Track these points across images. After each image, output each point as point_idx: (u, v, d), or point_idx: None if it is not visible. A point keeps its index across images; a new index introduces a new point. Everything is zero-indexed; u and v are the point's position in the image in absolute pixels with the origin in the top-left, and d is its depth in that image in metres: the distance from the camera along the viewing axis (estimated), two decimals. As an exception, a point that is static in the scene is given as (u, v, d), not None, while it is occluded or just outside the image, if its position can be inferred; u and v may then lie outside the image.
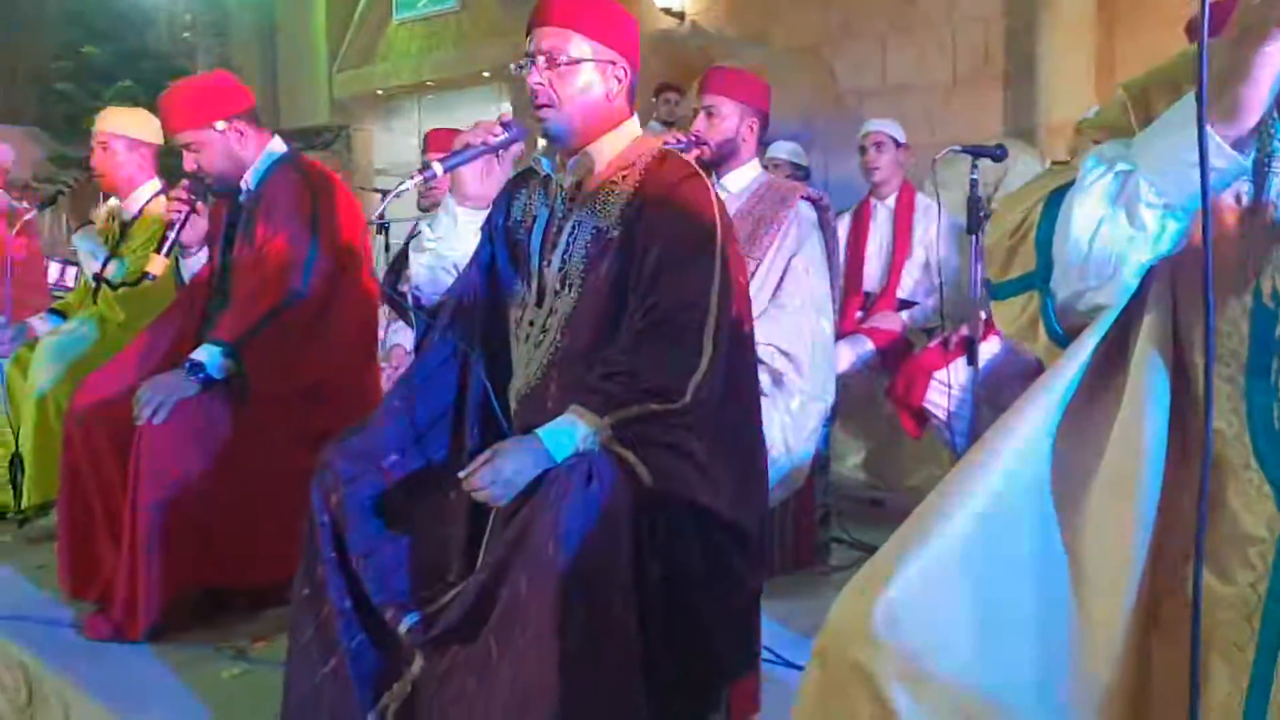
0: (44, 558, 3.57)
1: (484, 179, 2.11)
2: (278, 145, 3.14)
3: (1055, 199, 1.30)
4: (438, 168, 2.04)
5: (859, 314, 4.35)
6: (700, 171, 2.15)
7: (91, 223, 3.98)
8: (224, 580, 2.96)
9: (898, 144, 4.57)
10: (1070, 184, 1.29)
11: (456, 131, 4.90)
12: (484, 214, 2.18)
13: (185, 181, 3.07)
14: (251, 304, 2.89)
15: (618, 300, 2.07)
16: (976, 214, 3.48)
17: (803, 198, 3.19)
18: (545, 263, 2.17)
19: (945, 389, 3.74)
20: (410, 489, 2.16)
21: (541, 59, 2.11)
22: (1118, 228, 1.22)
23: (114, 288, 3.83)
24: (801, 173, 5.02)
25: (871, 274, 4.47)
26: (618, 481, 1.86)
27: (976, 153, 3.57)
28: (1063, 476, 1.27)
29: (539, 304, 2.17)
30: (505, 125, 2.11)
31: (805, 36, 9.01)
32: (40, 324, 4.08)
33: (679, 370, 1.96)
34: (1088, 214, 1.24)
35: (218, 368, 2.84)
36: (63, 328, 3.90)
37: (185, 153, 3.03)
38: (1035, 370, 3.51)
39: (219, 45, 15.07)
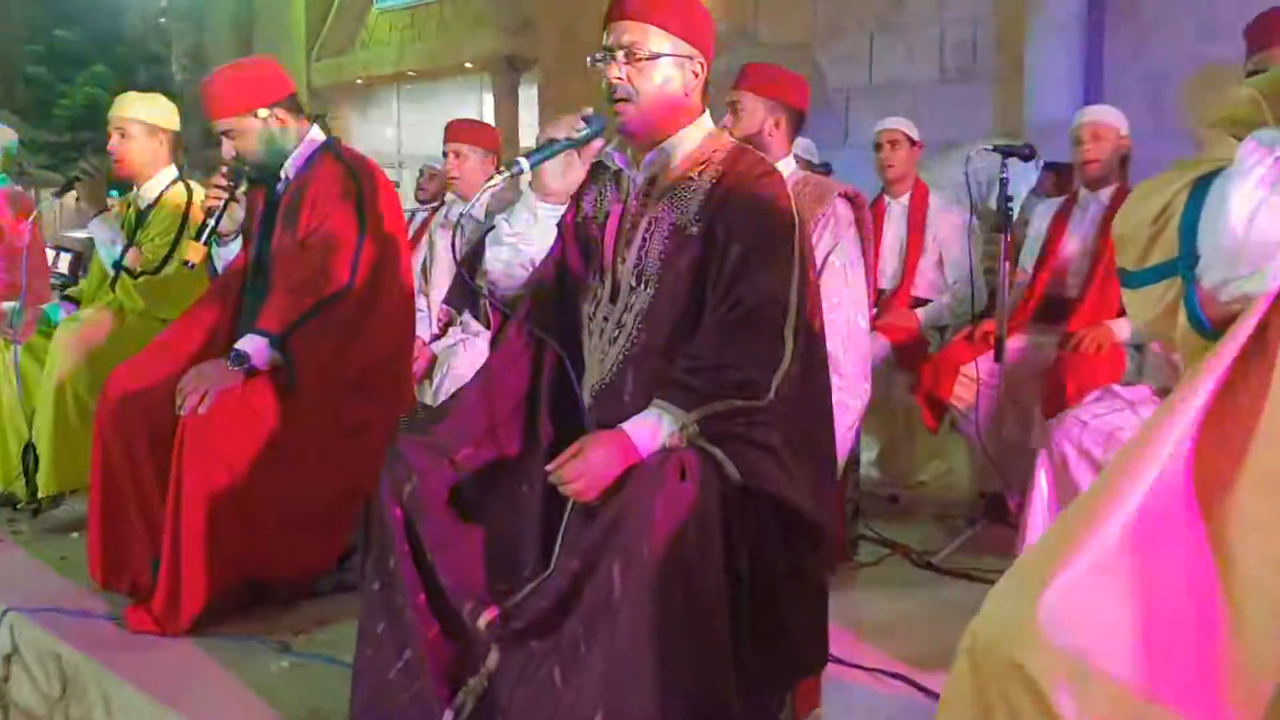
0: (65, 549, 3.53)
1: (565, 174, 2.10)
2: (318, 134, 3.11)
3: (1202, 186, 1.32)
4: (525, 163, 2.03)
5: (873, 311, 4.38)
6: (774, 167, 2.16)
7: (109, 209, 3.92)
8: (265, 572, 2.93)
9: (912, 142, 4.60)
10: (1215, 172, 1.30)
11: (478, 121, 4.91)
12: (562, 210, 2.18)
13: (224, 168, 3.04)
14: (298, 295, 2.86)
15: (696, 296, 2.08)
16: (1007, 213, 3.50)
17: (840, 194, 3.20)
18: (619, 258, 2.17)
19: (970, 382, 3.78)
20: (483, 481, 2.15)
21: (620, 53, 2.11)
22: (1276, 214, 1.24)
23: (134, 276, 3.78)
24: (823, 168, 5.04)
25: (886, 271, 4.49)
26: (708, 477, 1.87)
27: (1007, 152, 3.60)
28: (1206, 476, 1.29)
29: (613, 299, 2.17)
30: (587, 120, 2.10)
31: (793, 33, 9.04)
32: (56, 311, 4.02)
33: (763, 365, 1.97)
34: (1245, 199, 1.25)
35: (263, 358, 2.81)
36: (82, 315, 3.84)
37: (224, 140, 2.99)
38: (1054, 367, 3.58)
39: (194, 31, 14.91)
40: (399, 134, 13.99)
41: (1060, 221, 4.03)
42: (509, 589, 2.05)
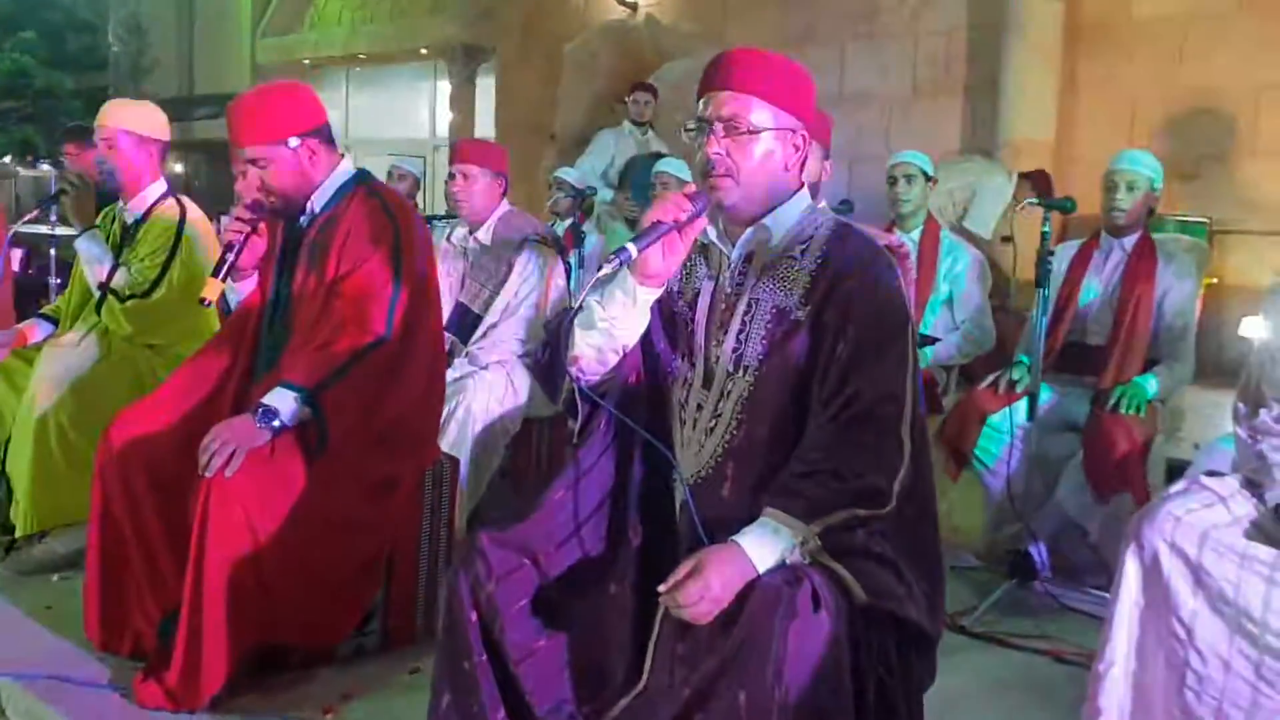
0: (48, 594, 3.29)
1: (667, 255, 1.94)
2: (347, 166, 2.90)
3: None
4: (633, 249, 1.86)
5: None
6: (884, 249, 2.03)
7: (96, 226, 3.66)
8: (284, 639, 2.74)
9: (927, 177, 4.50)
10: None
11: (486, 142, 4.70)
12: (659, 293, 2.01)
13: (247, 200, 2.82)
14: (331, 346, 2.66)
15: (801, 386, 1.94)
16: (1045, 266, 3.42)
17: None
18: (714, 341, 2.02)
19: (996, 434, 3.70)
20: (567, 584, 1.99)
21: (719, 126, 1.96)
22: None
23: (121, 299, 3.54)
24: (845, 206, 4.92)
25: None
26: (838, 603, 1.73)
27: (1050, 205, 3.51)
28: None
29: (707, 385, 2.02)
30: (691, 199, 1.94)
31: (763, 38, 8.88)
32: (33, 331, 3.76)
33: (884, 470, 1.85)
34: None
35: (292, 415, 2.61)
36: (64, 340, 3.58)
37: (250, 168, 2.78)
38: (1094, 432, 3.50)
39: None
40: (346, 117, 13.60)
41: (1079, 266, 3.96)
42: (600, 702, 1.90)
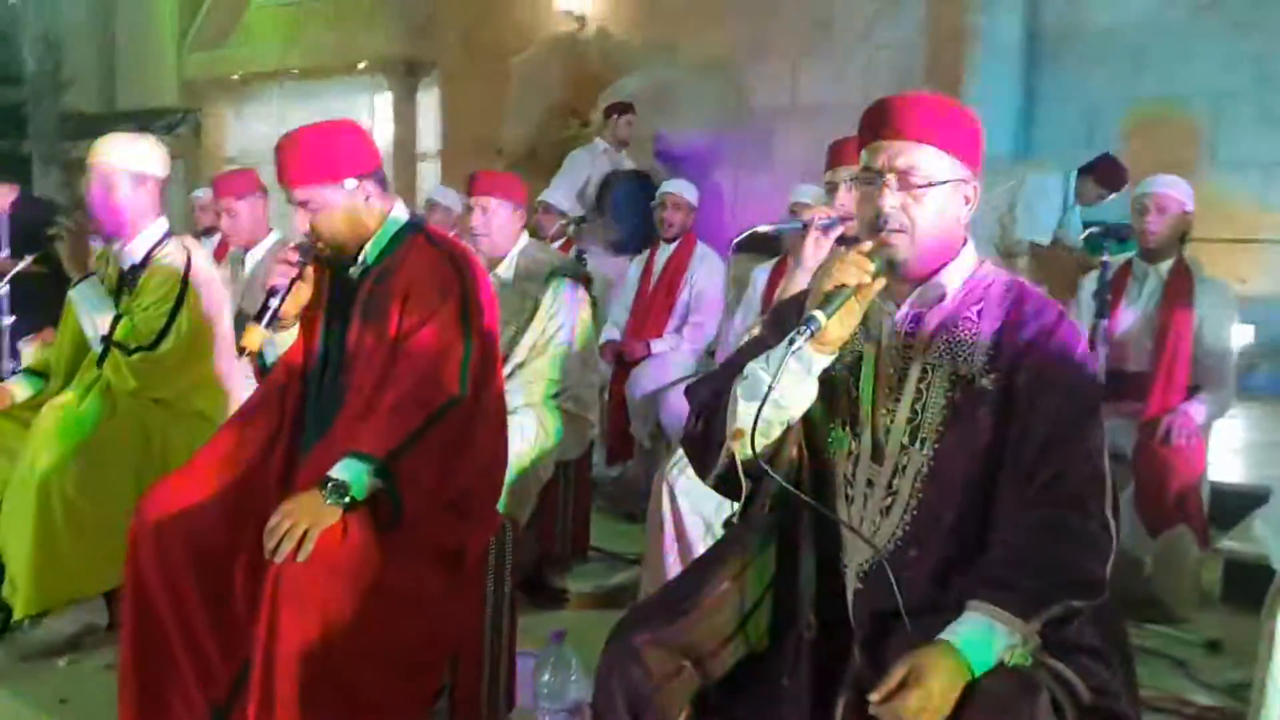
0: (57, 684, 2.99)
1: (844, 320, 1.76)
2: (401, 212, 2.67)
3: None
4: (821, 317, 1.69)
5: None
6: (1061, 308, 1.88)
7: (94, 273, 3.36)
8: (354, 729, 2.50)
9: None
10: None
11: (504, 173, 4.47)
12: (832, 360, 1.82)
13: (294, 243, 2.59)
14: (402, 410, 2.43)
15: (990, 460, 1.78)
16: (1105, 298, 3.32)
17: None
18: (883, 410, 1.85)
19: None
20: (731, 683, 1.80)
21: (892, 177, 1.80)
22: None
23: (128, 352, 3.24)
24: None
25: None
26: (1069, 708, 1.58)
27: (1108, 233, 3.41)
28: None
29: (876, 459, 1.84)
30: (870, 256, 1.77)
31: (714, 50, 8.78)
32: (19, 388, 3.45)
33: (1098, 557, 1.70)
34: None
35: (363, 487, 2.38)
36: (63, 398, 3.27)
37: (299, 211, 2.55)
38: (1145, 464, 3.39)
39: (49, 12, 13.71)
40: (280, 132, 13.13)
41: (1115, 292, 3.88)
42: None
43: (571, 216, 5.55)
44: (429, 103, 11.02)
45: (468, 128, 10.11)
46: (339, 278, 2.68)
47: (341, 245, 2.60)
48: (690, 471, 2.89)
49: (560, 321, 3.67)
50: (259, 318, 2.54)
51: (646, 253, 5.35)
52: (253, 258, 4.45)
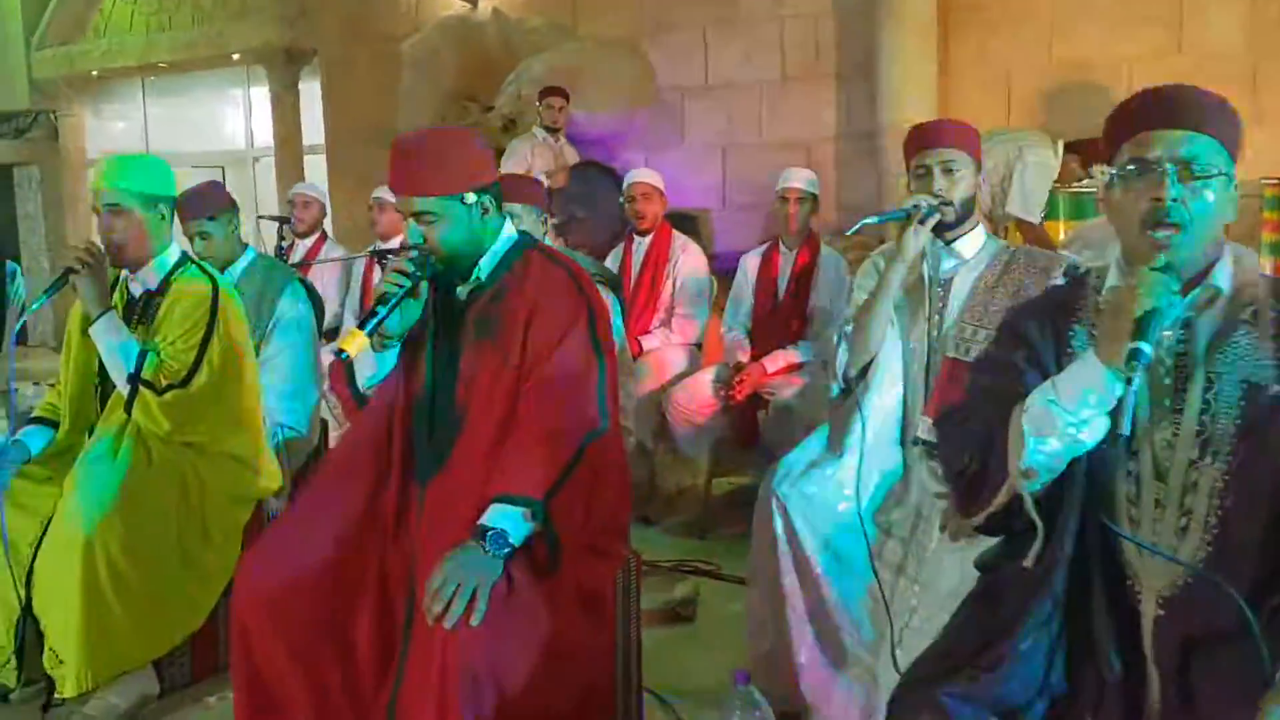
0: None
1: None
2: (510, 228, 2.47)
3: None
4: (1149, 350, 1.56)
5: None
6: None
7: (113, 307, 3.02)
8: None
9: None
10: None
11: (523, 175, 4.23)
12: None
13: (413, 251, 2.36)
14: (551, 447, 2.23)
15: None
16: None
17: (1066, 270, 2.87)
18: (1164, 423, 1.74)
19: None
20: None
21: (1171, 168, 1.70)
22: None
23: (159, 392, 2.94)
24: (814, 203, 4.71)
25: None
26: None
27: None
28: None
29: (1160, 477, 1.74)
30: (1165, 270, 1.66)
31: (615, 29, 8.62)
32: (31, 440, 3.09)
33: None
34: None
35: (522, 533, 2.18)
36: (91, 453, 2.94)
37: (414, 222, 2.33)
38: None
39: None
40: (145, 130, 12.45)
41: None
42: None
43: (557, 218, 5.29)
44: (311, 93, 10.55)
45: (354, 118, 9.70)
46: (447, 296, 2.46)
47: (455, 261, 2.39)
48: (804, 486, 2.82)
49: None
50: (363, 324, 2.31)
51: (620, 248, 5.18)
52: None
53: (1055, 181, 5.71)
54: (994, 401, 1.77)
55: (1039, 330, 1.84)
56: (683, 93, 8.46)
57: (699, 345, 5.02)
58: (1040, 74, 7.46)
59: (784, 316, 4.60)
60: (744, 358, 4.55)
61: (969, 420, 1.82)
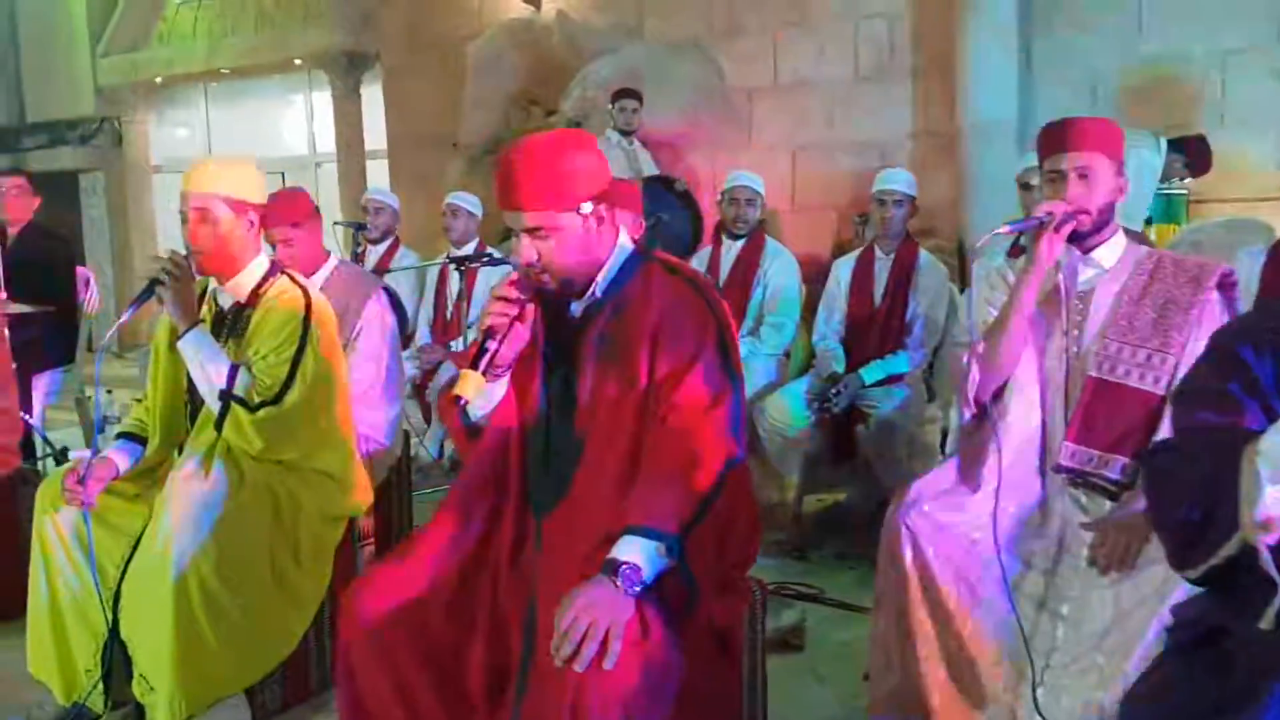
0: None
1: None
2: (624, 237, 2.30)
3: None
4: None
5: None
6: None
7: (202, 320, 2.91)
8: None
9: None
10: None
11: (623, 180, 4.07)
12: None
13: (515, 274, 2.20)
14: (688, 478, 2.06)
15: None
16: None
17: (1219, 278, 2.65)
18: None
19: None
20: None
21: None
22: None
23: (252, 409, 2.81)
24: (913, 205, 4.51)
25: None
26: None
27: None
28: None
29: None
30: None
31: (684, 31, 8.45)
32: (120, 458, 2.98)
33: None
34: None
35: (656, 570, 2.02)
36: (182, 472, 2.81)
37: (524, 238, 2.16)
38: None
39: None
40: (208, 137, 12.46)
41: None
42: None
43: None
44: (374, 97, 10.49)
45: (415, 123, 9.62)
46: (560, 314, 2.30)
47: (571, 278, 2.22)
48: (935, 515, 2.63)
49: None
50: (475, 363, 2.15)
51: (707, 252, 5.01)
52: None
53: (1160, 182, 5.40)
54: (1213, 439, 1.58)
55: (1255, 353, 1.64)
56: (750, 93, 8.29)
57: (787, 355, 4.84)
58: (1128, 70, 7.19)
59: (881, 324, 4.40)
60: (838, 368, 4.37)
61: (1185, 460, 1.63)
